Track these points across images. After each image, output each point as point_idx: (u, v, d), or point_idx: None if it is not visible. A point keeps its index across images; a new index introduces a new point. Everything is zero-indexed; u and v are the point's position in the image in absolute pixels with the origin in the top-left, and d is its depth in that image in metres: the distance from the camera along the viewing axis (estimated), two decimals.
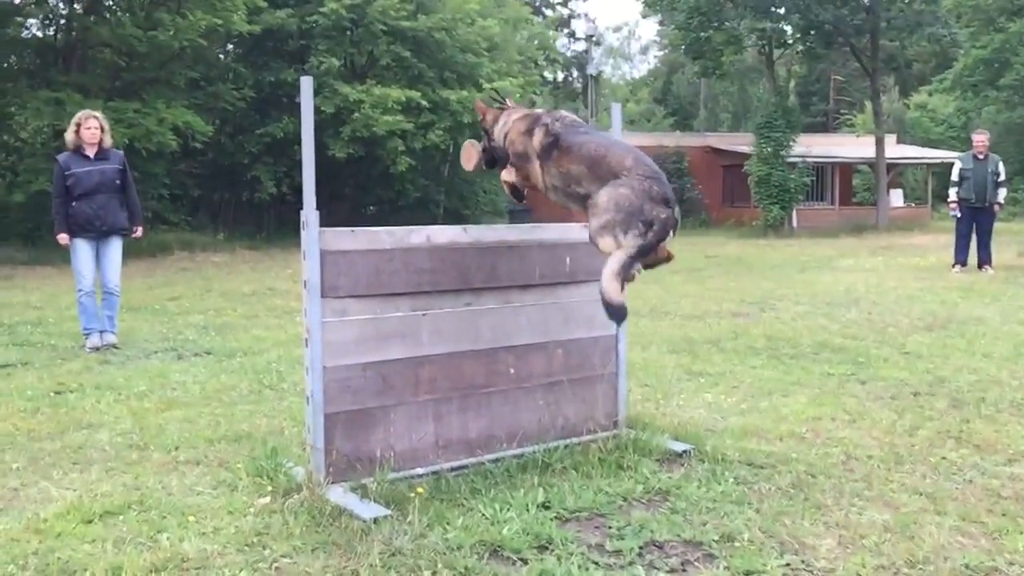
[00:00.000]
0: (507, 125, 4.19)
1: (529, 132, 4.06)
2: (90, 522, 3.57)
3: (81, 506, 3.71)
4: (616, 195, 3.69)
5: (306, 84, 3.93)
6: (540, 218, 31.17)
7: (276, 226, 25.38)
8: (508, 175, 4.26)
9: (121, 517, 3.63)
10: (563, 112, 4.21)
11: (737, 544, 3.34)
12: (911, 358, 6.94)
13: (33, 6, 21.98)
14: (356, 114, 22.20)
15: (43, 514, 3.64)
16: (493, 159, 4.43)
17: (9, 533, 3.46)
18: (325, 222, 3.88)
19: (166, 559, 3.20)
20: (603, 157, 3.82)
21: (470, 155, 4.66)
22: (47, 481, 4.11)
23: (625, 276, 3.66)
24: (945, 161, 28.74)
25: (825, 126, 48.13)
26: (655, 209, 3.65)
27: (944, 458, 4.40)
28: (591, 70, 37.08)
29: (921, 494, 3.90)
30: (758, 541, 3.37)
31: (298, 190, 25.59)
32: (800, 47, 29.96)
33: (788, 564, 3.20)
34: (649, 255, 3.73)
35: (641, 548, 3.32)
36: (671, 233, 3.75)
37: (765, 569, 3.15)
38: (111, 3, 21.45)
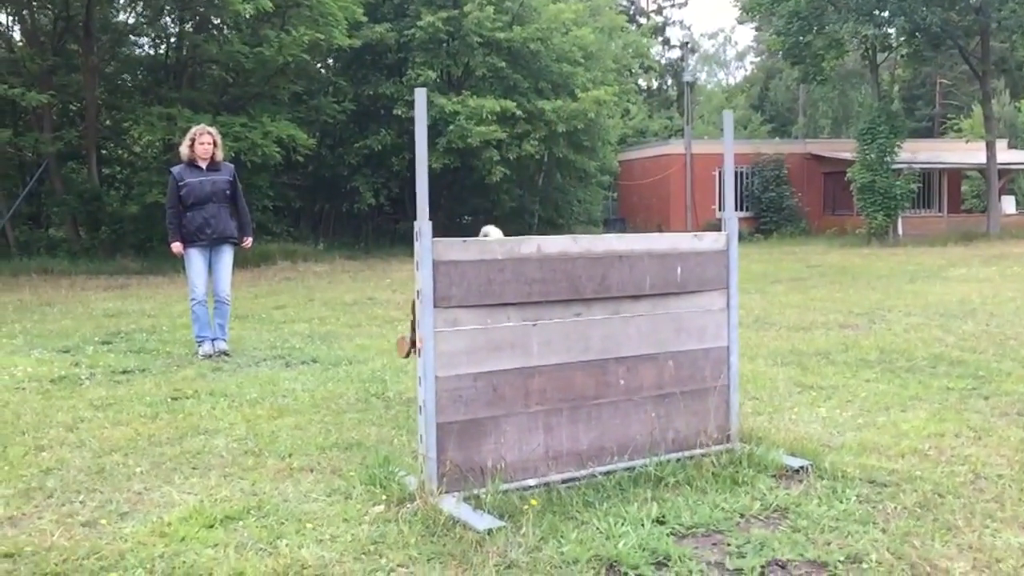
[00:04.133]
0: None
1: None
2: (211, 527, 3.65)
3: (202, 511, 3.80)
4: None
5: (420, 97, 3.97)
6: (635, 228, 30.97)
7: (374, 236, 25.86)
8: None
9: (241, 522, 3.70)
10: None
11: (864, 565, 3.21)
12: None
13: (145, 25, 22.92)
14: (452, 125, 22.44)
15: (167, 518, 3.74)
16: None
17: (136, 536, 3.56)
18: None
19: (286, 566, 3.24)
20: None
21: (402, 346, 5.56)
22: (169, 485, 4.23)
23: None
24: None
25: (931, 131, 46.56)
26: None
27: None
28: (687, 77, 36.60)
29: None
30: (887, 563, 3.23)
31: (395, 201, 26.09)
32: (905, 50, 29.02)
33: None
34: None
35: (763, 567, 3.22)
36: None
37: None
38: (219, 21, 22.18)
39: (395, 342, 5.88)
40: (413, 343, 5.38)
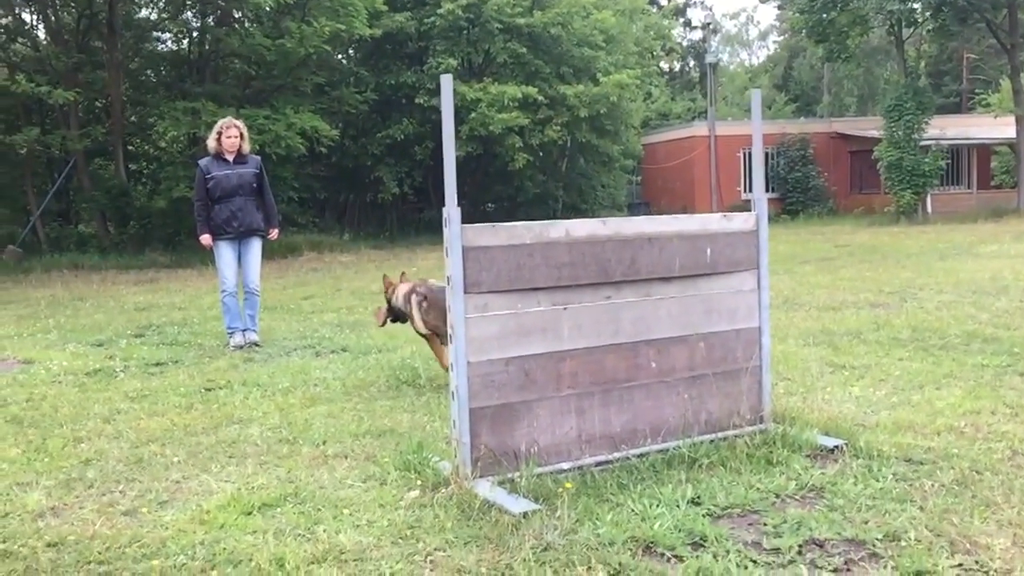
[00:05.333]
0: (398, 294, 6.25)
1: (408, 297, 6.13)
2: (250, 514, 3.69)
3: (240, 498, 3.84)
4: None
5: (446, 83, 3.96)
6: (659, 212, 30.81)
7: (399, 225, 25.93)
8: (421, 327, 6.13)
9: (279, 509, 3.74)
10: (431, 281, 6.22)
11: (903, 543, 3.19)
12: None
13: (168, 21, 23.05)
14: (474, 113, 22.40)
15: (206, 506, 3.79)
16: (396, 317, 6.39)
17: (177, 524, 3.61)
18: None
19: (325, 551, 3.27)
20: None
21: (379, 315, 6.54)
22: (206, 474, 4.28)
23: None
24: None
25: (959, 106, 45.92)
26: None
27: None
28: (709, 59, 36.36)
29: None
30: (926, 540, 3.21)
31: (419, 190, 26.14)
32: (931, 25, 28.61)
33: (961, 564, 3.04)
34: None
35: (801, 546, 3.20)
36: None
37: (936, 570, 3.00)
38: (240, 14, 22.27)
39: (374, 311, 6.86)
40: (388, 312, 6.39)
